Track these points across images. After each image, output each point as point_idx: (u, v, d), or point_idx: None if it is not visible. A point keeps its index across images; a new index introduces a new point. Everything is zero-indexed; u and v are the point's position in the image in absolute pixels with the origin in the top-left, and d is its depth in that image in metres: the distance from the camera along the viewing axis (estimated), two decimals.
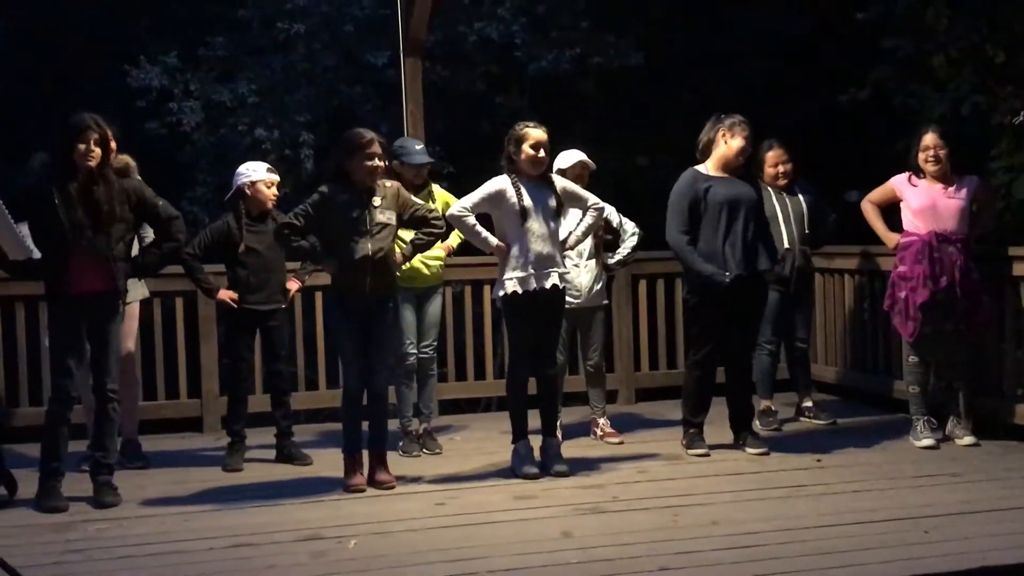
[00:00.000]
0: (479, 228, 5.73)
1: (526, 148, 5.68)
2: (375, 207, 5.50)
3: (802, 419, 7.10)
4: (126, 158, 5.90)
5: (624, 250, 6.58)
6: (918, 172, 6.23)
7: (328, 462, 5.96)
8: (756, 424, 6.50)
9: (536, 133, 5.70)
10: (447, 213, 5.85)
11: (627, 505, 5.15)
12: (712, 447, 6.20)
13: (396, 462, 5.96)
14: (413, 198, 5.78)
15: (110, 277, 5.27)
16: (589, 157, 6.40)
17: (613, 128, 11.78)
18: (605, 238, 6.51)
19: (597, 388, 6.69)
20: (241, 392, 6.24)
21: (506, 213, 5.69)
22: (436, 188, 6.42)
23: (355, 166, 5.48)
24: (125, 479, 5.66)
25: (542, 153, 5.69)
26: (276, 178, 6.20)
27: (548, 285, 5.69)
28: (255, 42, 12.03)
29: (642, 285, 8.01)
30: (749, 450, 6.14)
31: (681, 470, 5.85)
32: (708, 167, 6.12)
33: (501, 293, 5.73)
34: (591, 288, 6.42)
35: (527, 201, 5.66)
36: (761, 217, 6.18)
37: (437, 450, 6.43)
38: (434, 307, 6.40)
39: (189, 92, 11.53)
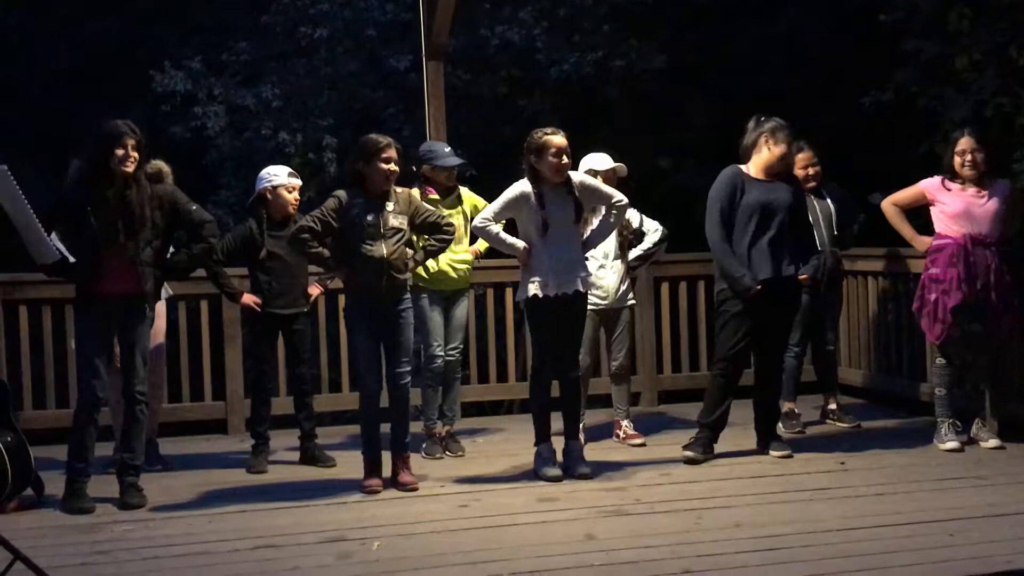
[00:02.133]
0: (503, 236, 5.75)
1: (549, 158, 5.65)
2: (388, 212, 5.53)
3: (827, 421, 7.09)
4: (160, 164, 5.94)
5: (645, 244, 6.57)
6: (953, 176, 6.19)
7: (352, 464, 5.98)
8: (780, 427, 6.48)
9: (557, 140, 5.67)
10: (471, 224, 5.88)
11: (650, 507, 5.15)
12: (736, 451, 6.20)
13: (419, 464, 5.98)
14: (425, 204, 5.80)
15: (137, 281, 5.33)
16: (612, 160, 6.41)
17: (635, 131, 11.76)
18: (629, 239, 6.52)
19: (622, 389, 6.70)
20: (265, 395, 6.28)
21: (529, 220, 5.71)
22: (464, 191, 6.45)
23: (371, 171, 5.52)
24: (151, 481, 5.70)
25: (565, 159, 5.68)
26: (297, 182, 6.22)
27: (571, 292, 5.70)
28: (278, 47, 12.11)
29: (665, 287, 8.01)
30: (773, 453, 6.13)
31: (704, 472, 5.84)
32: (750, 168, 6.09)
33: (525, 296, 5.74)
34: (617, 289, 6.43)
35: (549, 210, 5.66)
36: (798, 221, 6.09)
37: (460, 452, 6.44)
38: (461, 310, 6.43)
39: (213, 97, 11.62)
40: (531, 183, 5.71)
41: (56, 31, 12.45)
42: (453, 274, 6.30)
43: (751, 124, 6.13)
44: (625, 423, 6.66)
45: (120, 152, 5.23)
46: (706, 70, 11.83)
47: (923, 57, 9.02)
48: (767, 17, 11.72)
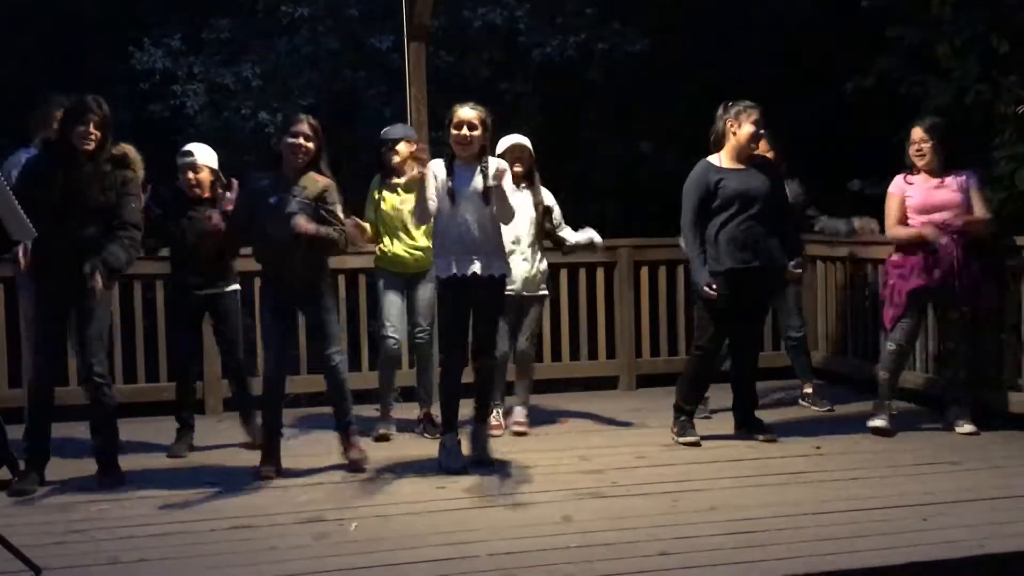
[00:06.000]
0: (427, 187, 5.45)
1: (452, 130, 5.50)
2: (293, 194, 5.40)
3: (801, 404, 7.14)
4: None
5: (577, 237, 6.44)
6: (911, 168, 6.22)
7: (324, 444, 5.96)
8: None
9: (462, 112, 5.51)
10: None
11: (627, 490, 5.17)
12: (713, 435, 6.22)
13: (400, 445, 5.99)
14: (332, 197, 5.51)
15: (81, 260, 5.14)
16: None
17: (618, 115, 11.76)
18: (547, 227, 6.40)
19: (523, 379, 6.53)
20: (191, 377, 6.26)
21: (439, 191, 5.50)
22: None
23: (284, 147, 5.46)
24: (127, 460, 5.67)
25: (464, 131, 5.48)
26: (194, 160, 5.93)
27: (468, 272, 5.47)
28: (259, 25, 12.03)
29: (644, 271, 8.02)
30: (760, 437, 6.14)
31: (680, 456, 5.87)
32: (722, 158, 6.06)
33: (437, 276, 5.59)
34: (526, 277, 6.28)
35: (456, 184, 5.47)
36: (779, 209, 6.07)
37: (437, 435, 6.43)
38: (424, 291, 6.33)
39: (193, 75, 11.54)
40: (446, 156, 5.57)
41: (35, 6, 12.32)
42: (410, 258, 6.28)
43: (719, 111, 6.10)
44: (517, 409, 6.52)
45: (80, 128, 5.13)
46: (689, 54, 11.83)
47: (905, 44, 9.05)
48: (750, 2, 11.72)
